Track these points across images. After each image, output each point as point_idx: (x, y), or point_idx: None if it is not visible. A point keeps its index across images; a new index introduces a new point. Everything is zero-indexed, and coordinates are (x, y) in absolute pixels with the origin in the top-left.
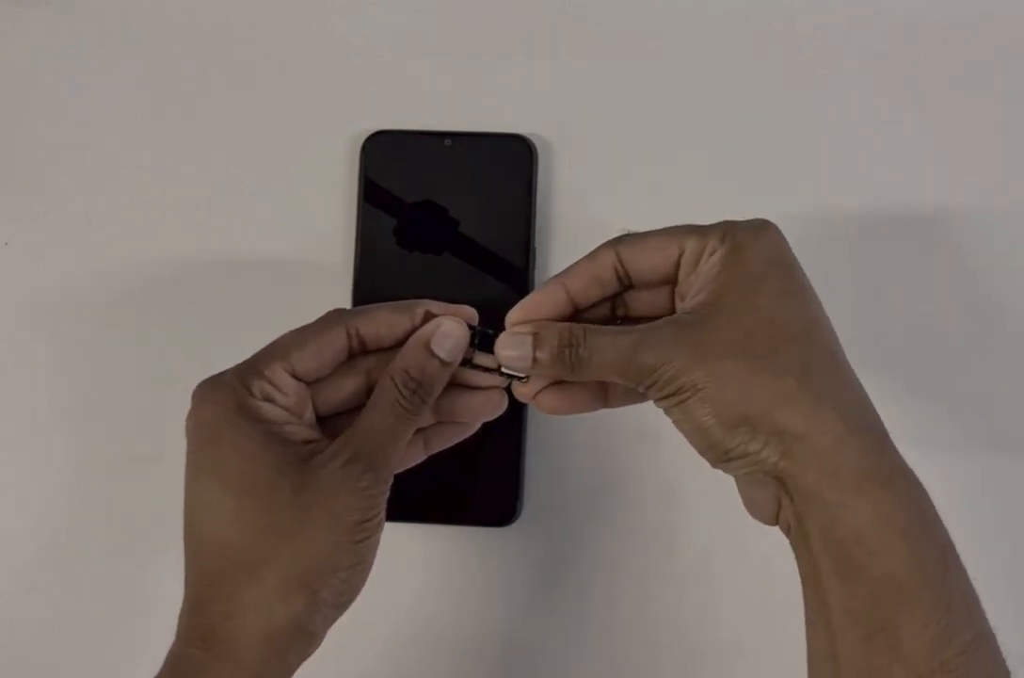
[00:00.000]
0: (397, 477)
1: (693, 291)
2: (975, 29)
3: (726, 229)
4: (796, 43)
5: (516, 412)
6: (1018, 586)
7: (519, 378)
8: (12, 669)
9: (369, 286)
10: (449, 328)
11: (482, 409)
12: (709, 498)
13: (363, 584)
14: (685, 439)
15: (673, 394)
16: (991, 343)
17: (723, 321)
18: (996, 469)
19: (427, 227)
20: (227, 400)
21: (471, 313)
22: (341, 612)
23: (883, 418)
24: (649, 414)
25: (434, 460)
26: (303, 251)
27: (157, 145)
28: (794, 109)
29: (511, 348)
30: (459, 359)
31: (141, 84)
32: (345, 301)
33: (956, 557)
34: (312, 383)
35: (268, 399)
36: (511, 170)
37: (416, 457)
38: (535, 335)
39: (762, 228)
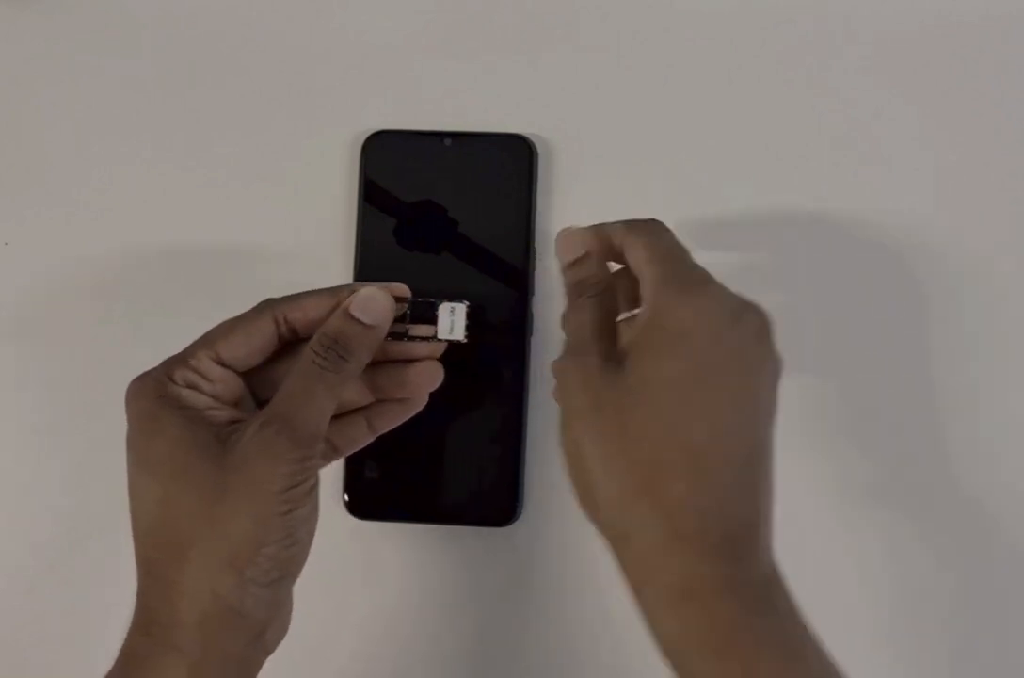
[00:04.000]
0: (399, 477)
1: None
2: (977, 30)
3: (655, 292)
4: (796, 43)
5: (516, 411)
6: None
7: (459, 342)
8: (12, 668)
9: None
10: (368, 292)
11: (418, 381)
12: None
13: (297, 562)
14: None
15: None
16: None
17: (619, 390)
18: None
19: (427, 227)
20: (151, 391)
21: (403, 288)
22: (276, 593)
23: None
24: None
25: (434, 460)
26: (303, 251)
27: (156, 145)
28: (794, 110)
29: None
30: (383, 323)
31: (140, 84)
32: None
33: (768, 668)
34: (251, 372)
35: (192, 387)
36: (511, 170)
37: (362, 438)
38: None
39: (692, 294)
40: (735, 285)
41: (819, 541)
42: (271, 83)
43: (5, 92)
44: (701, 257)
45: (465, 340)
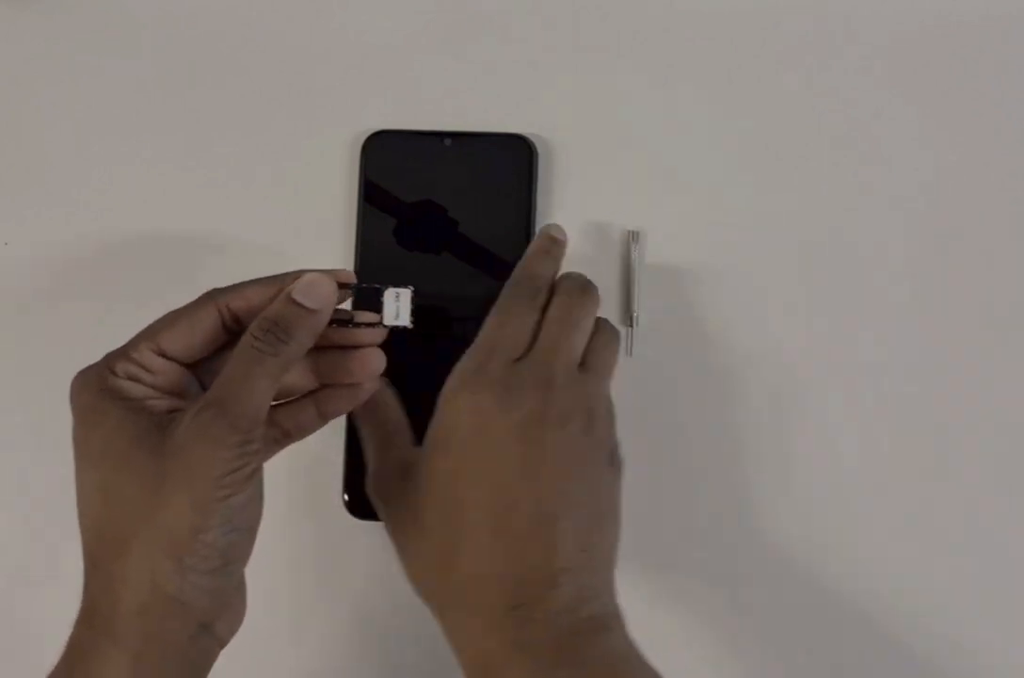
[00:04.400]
0: None
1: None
2: (977, 30)
3: (449, 376)
4: (796, 43)
5: None
6: None
7: (404, 328)
8: (11, 664)
9: (367, 290)
10: (311, 277)
11: (360, 365)
12: (710, 492)
13: (239, 550)
14: (686, 436)
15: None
16: None
17: (409, 487)
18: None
19: (427, 227)
20: (93, 385)
21: (348, 274)
22: (218, 581)
23: None
24: (649, 412)
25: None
26: (303, 251)
27: (156, 145)
28: (795, 110)
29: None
30: (325, 308)
31: (140, 84)
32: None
33: None
34: (200, 364)
35: (133, 378)
36: (511, 170)
37: (312, 424)
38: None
39: (468, 387)
40: (736, 285)
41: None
42: (271, 83)
43: (5, 92)
44: (702, 258)
45: (411, 326)
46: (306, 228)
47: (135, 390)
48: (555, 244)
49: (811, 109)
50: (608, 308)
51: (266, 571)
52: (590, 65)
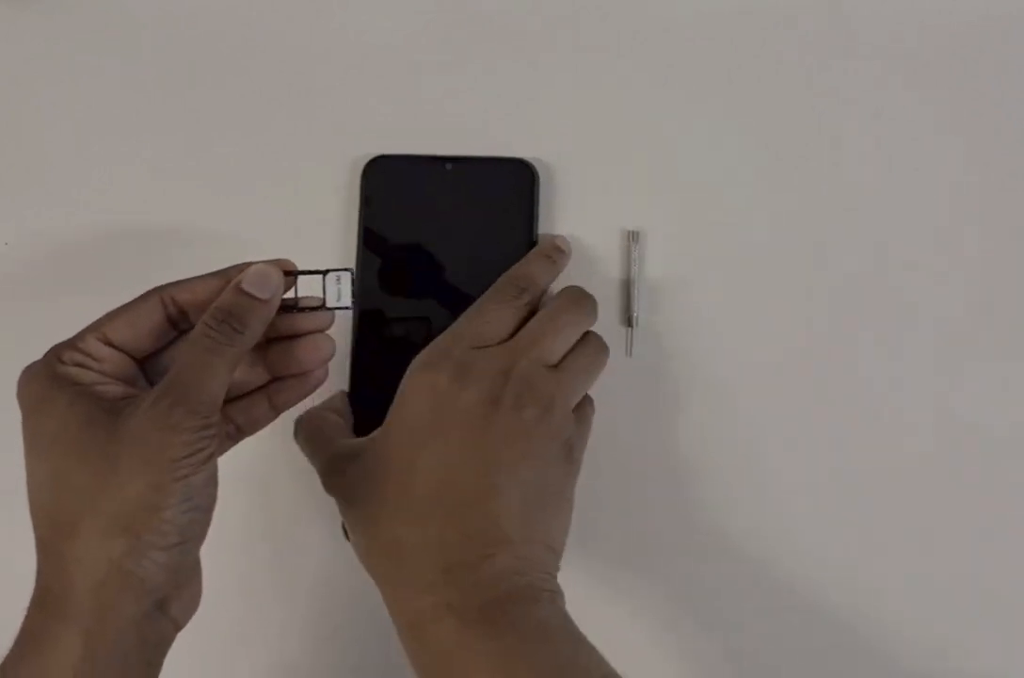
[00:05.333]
0: (364, 420)
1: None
2: (977, 30)
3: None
4: (796, 43)
5: None
6: None
7: (346, 308)
8: None
9: (369, 313)
10: (259, 268)
11: (310, 352)
12: (711, 490)
13: (197, 527)
14: (685, 436)
15: (339, 512)
16: None
17: (367, 464)
18: None
19: (428, 252)
20: (41, 374)
21: (289, 262)
22: (176, 558)
23: None
24: (648, 412)
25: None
26: (303, 251)
27: (156, 145)
28: (795, 110)
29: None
30: (274, 297)
31: (140, 84)
32: (345, 329)
33: None
34: (147, 360)
35: (80, 365)
36: (513, 194)
37: (265, 417)
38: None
39: (426, 368)
40: (735, 285)
41: None
42: (271, 84)
43: (5, 92)
44: (702, 258)
45: (352, 307)
46: (306, 228)
47: (84, 376)
48: (557, 252)
49: (811, 109)
50: (608, 308)
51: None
52: (590, 65)
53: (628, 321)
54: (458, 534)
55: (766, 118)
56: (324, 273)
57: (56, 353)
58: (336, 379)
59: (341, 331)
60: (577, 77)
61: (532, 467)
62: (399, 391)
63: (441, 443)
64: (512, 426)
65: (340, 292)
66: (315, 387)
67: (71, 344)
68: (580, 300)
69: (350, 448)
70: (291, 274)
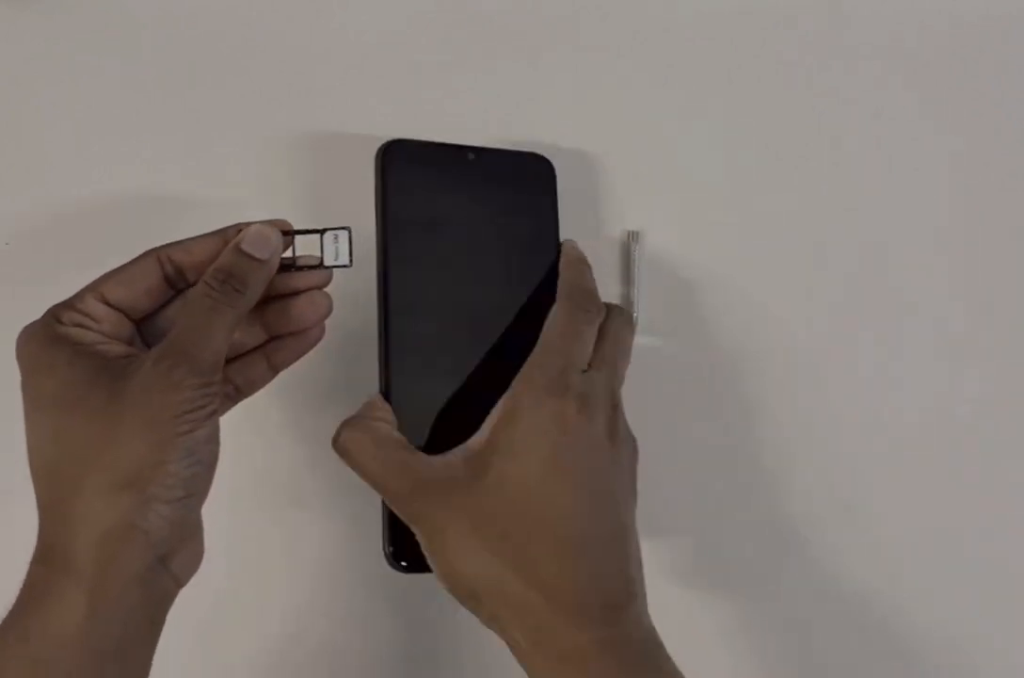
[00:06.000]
0: (408, 428)
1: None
2: (977, 30)
3: (518, 383)
4: (796, 43)
5: (515, 367)
6: None
7: (344, 267)
8: None
9: (399, 307)
10: (258, 228)
11: (308, 310)
12: (708, 491)
13: (201, 482)
14: (685, 436)
15: (422, 538)
16: None
17: (479, 492)
18: None
19: (458, 243)
20: (40, 335)
21: (285, 222)
22: (180, 512)
23: None
24: (648, 412)
25: (435, 408)
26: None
27: (156, 145)
28: (795, 110)
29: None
30: (273, 257)
31: (140, 84)
32: (368, 320)
33: None
34: (143, 321)
35: (80, 325)
36: (535, 188)
37: (263, 377)
38: None
39: (551, 395)
40: (735, 285)
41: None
42: (271, 83)
43: (5, 92)
44: (702, 257)
45: (350, 264)
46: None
47: (85, 336)
48: (587, 264)
49: (811, 109)
50: (592, 270)
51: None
52: (590, 65)
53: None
54: (609, 572)
55: (766, 118)
56: (322, 232)
57: (54, 313)
58: (343, 368)
59: (366, 322)
60: (577, 77)
61: (635, 501)
62: (509, 412)
63: (580, 477)
64: (623, 459)
65: (338, 250)
66: (312, 345)
67: (69, 304)
68: (630, 320)
69: (442, 471)
70: (288, 233)
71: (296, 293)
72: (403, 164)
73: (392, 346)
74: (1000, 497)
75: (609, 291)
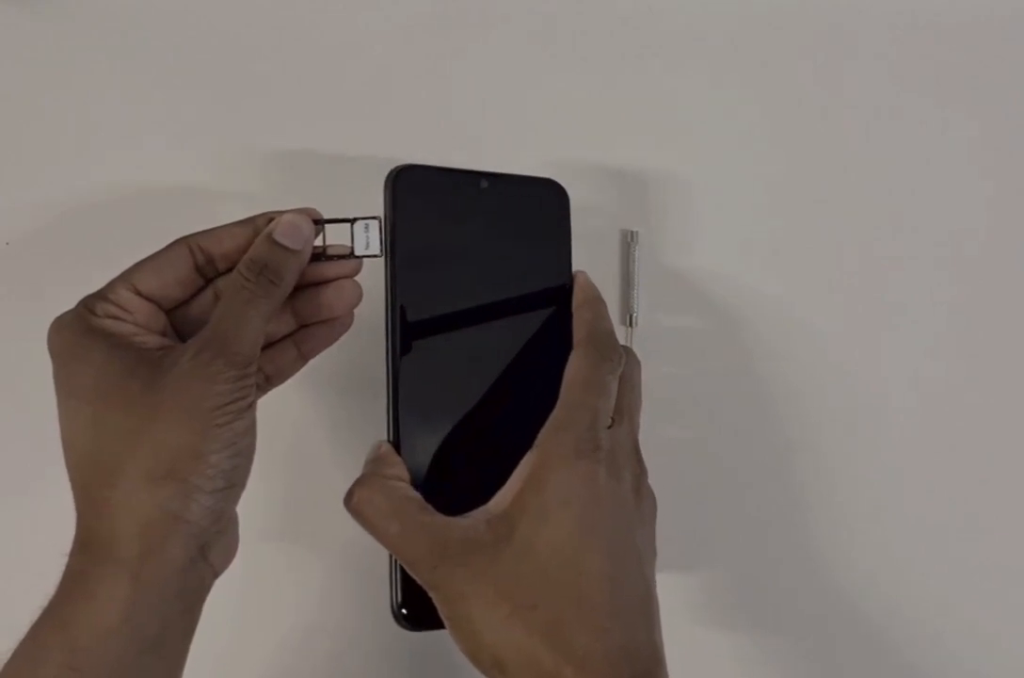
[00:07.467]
0: (420, 482)
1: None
2: (977, 30)
3: (544, 441)
4: (796, 43)
5: (533, 414)
6: None
7: (375, 256)
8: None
9: (409, 347)
10: (290, 218)
11: (337, 298)
12: (708, 492)
13: (241, 474)
14: (685, 436)
15: (442, 604)
16: None
17: (505, 557)
18: None
19: (469, 276)
20: (75, 325)
21: (315, 210)
22: (221, 502)
23: None
24: (647, 412)
25: (448, 460)
26: None
27: (156, 145)
28: (794, 109)
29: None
30: (306, 247)
31: (140, 84)
32: (375, 359)
33: None
34: (174, 311)
35: (114, 317)
36: (548, 217)
37: (293, 366)
38: None
39: (580, 458)
40: (735, 285)
41: None
42: (271, 83)
43: (5, 92)
44: (702, 257)
45: (381, 254)
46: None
47: (120, 328)
48: (603, 303)
49: (811, 109)
50: (608, 308)
51: None
52: (590, 65)
53: (628, 321)
54: (639, 641)
55: (766, 118)
56: (352, 221)
57: (88, 305)
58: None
59: (374, 360)
60: (577, 77)
61: (655, 557)
62: (536, 473)
63: (610, 541)
64: (647, 515)
65: (368, 240)
66: (341, 333)
67: (102, 295)
68: (639, 363)
69: (464, 534)
70: (319, 222)
71: (325, 282)
72: (414, 192)
73: (401, 391)
74: (1000, 497)
75: (609, 291)
